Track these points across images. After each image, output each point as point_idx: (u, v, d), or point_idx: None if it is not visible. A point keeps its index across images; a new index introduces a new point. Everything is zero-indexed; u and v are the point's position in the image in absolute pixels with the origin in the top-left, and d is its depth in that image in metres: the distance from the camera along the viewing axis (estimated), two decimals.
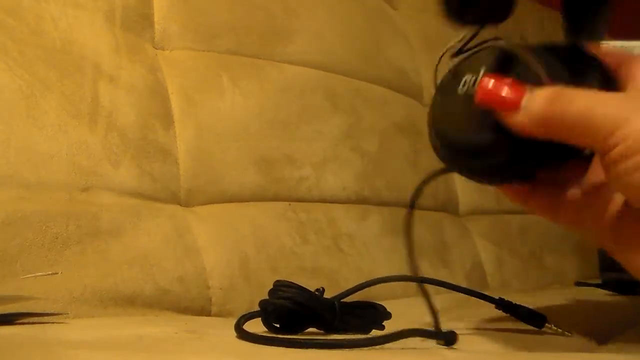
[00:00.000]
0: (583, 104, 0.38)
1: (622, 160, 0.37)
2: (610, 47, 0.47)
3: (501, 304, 0.55)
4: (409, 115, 1.11)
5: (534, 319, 0.54)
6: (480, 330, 0.56)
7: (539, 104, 0.39)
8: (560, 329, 0.53)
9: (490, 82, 0.41)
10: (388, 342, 0.43)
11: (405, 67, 1.16)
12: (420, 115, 1.14)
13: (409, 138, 1.08)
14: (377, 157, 1.01)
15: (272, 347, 0.41)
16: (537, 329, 0.54)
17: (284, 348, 0.41)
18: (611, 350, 0.47)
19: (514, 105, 0.40)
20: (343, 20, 1.08)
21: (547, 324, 0.53)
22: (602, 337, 0.55)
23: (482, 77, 0.41)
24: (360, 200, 0.98)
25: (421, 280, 0.51)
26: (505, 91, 0.40)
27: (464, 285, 1.05)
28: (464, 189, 1.18)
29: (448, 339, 0.47)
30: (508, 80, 0.41)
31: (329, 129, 0.97)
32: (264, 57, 0.94)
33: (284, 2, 1.00)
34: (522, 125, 0.40)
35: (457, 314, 0.56)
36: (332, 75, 1.02)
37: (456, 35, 0.49)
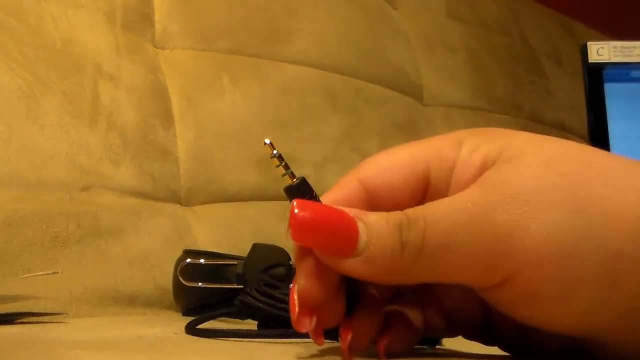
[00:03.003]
0: (449, 226, 0.29)
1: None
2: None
3: None
4: (409, 115, 1.11)
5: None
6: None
7: (386, 240, 0.29)
8: None
9: (301, 212, 0.29)
10: None
11: (405, 66, 1.16)
12: (420, 115, 1.14)
13: (409, 138, 1.08)
14: None
15: (275, 345, 0.41)
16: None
17: (285, 345, 0.41)
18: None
19: (350, 245, 0.29)
20: (343, 21, 1.08)
21: None
22: None
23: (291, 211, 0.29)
24: None
25: None
26: (326, 229, 0.29)
27: None
28: None
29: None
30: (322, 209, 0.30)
31: (329, 129, 0.97)
32: (265, 57, 0.95)
33: (284, 2, 1.00)
34: (365, 273, 0.29)
35: None
36: (332, 75, 1.02)
37: None
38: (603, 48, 0.74)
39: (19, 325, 0.50)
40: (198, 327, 0.45)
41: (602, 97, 0.73)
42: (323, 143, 0.95)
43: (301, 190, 0.32)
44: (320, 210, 0.30)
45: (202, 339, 0.44)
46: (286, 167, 0.33)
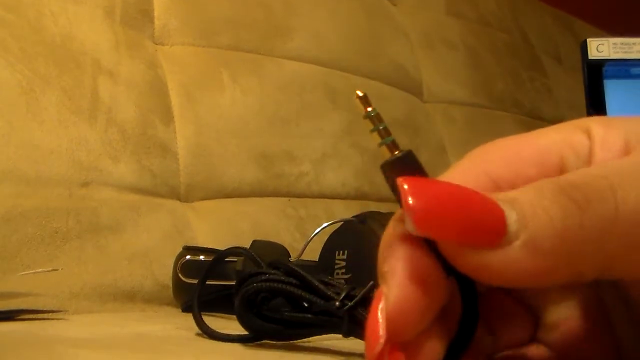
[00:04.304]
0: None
1: None
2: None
3: None
4: (409, 111, 1.11)
5: None
6: None
7: (551, 208, 0.20)
8: None
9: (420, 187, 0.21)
10: None
11: (405, 63, 1.15)
12: (420, 111, 1.14)
13: (408, 134, 1.08)
14: (377, 153, 1.01)
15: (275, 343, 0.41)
16: None
17: (286, 345, 0.41)
18: None
19: (497, 228, 0.20)
20: (343, 17, 1.08)
21: None
22: None
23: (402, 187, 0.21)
24: (359, 197, 0.97)
25: None
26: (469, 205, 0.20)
27: None
28: None
29: None
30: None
31: (328, 126, 0.97)
32: (264, 54, 0.94)
33: None
34: (527, 266, 0.20)
35: None
36: (331, 72, 1.02)
37: None
38: (603, 45, 0.73)
39: (19, 322, 0.50)
40: (215, 331, 0.44)
41: (602, 93, 0.73)
42: (322, 139, 0.95)
43: (405, 167, 0.23)
44: (444, 187, 0.21)
45: (202, 339, 0.44)
46: (385, 132, 0.23)
